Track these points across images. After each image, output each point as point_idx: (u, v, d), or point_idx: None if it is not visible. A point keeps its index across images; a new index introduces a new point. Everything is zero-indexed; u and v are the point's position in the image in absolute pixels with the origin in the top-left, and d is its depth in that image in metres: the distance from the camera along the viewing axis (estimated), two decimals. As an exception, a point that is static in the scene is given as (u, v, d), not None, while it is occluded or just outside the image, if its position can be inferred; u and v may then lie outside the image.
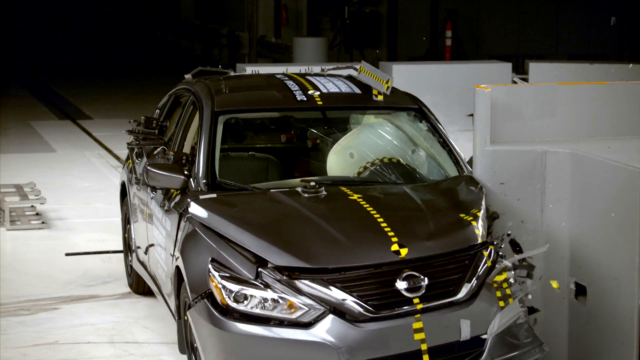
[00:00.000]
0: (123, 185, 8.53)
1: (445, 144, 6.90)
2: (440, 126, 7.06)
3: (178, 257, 6.04)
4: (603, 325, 5.92)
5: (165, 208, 6.64)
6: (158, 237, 6.88)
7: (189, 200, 6.14)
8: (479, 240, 5.76)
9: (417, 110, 7.08)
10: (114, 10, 34.35)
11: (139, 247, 7.77)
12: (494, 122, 6.41)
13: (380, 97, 6.96)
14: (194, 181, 6.36)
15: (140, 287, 8.17)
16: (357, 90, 7.07)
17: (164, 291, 6.84)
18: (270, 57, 23.20)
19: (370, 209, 5.87)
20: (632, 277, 5.72)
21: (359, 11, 23.22)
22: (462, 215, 5.88)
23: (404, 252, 5.56)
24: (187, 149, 7.03)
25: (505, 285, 5.74)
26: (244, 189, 6.32)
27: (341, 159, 6.86)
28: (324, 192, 6.10)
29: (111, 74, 23.28)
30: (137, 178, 7.72)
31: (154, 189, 6.82)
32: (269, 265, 5.51)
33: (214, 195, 6.13)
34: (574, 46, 23.15)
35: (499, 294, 5.71)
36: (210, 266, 5.61)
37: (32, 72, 23.78)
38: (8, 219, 10.31)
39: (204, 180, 6.32)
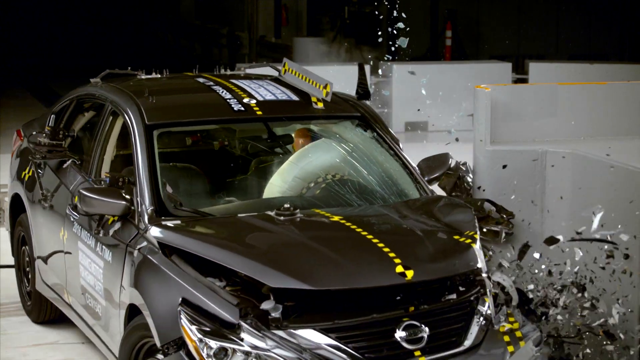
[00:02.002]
0: (15, 199, 7.54)
1: (395, 154, 6.40)
2: (387, 135, 6.55)
3: (133, 294, 5.42)
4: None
5: (101, 235, 5.93)
6: (90, 267, 6.15)
7: (148, 225, 5.54)
8: (479, 264, 5.31)
9: (360, 117, 6.53)
10: (114, 10, 34.33)
11: (51, 273, 6.94)
12: (494, 122, 6.41)
13: (320, 105, 6.40)
14: (138, 207, 5.71)
15: (42, 314, 7.42)
16: (294, 97, 6.46)
17: (96, 326, 6.18)
18: (270, 57, 23.20)
19: (360, 230, 5.38)
20: (632, 277, 5.71)
21: (359, 11, 23.22)
22: (456, 237, 5.44)
23: (409, 274, 5.07)
24: (107, 165, 6.47)
25: (516, 325, 5.26)
26: (202, 215, 5.70)
27: (284, 176, 6.25)
28: (300, 215, 5.56)
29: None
30: (44, 194, 6.89)
31: (76, 210, 6.14)
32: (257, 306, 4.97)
33: (179, 221, 5.54)
34: (574, 46, 23.14)
35: (507, 338, 5.21)
36: (182, 314, 5.03)
37: (32, 72, 23.78)
38: (8, 219, 10.30)
39: (152, 207, 5.67)
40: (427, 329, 5.02)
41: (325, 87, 6.33)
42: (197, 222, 5.58)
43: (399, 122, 17.06)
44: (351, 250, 5.24)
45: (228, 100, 6.32)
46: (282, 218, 5.50)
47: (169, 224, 5.50)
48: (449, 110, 16.03)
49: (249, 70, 7.23)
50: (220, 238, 5.39)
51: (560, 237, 5.94)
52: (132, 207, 5.72)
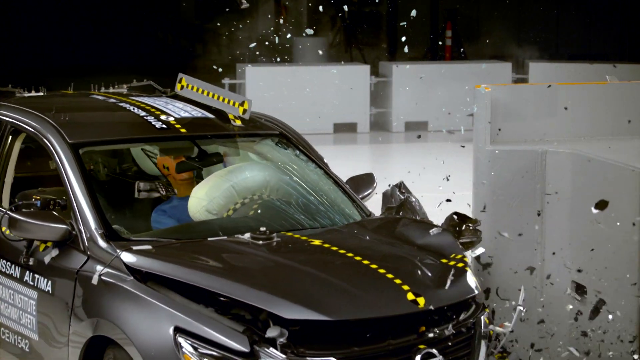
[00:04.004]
0: None
1: (325, 173, 6.15)
2: (312, 152, 6.34)
3: (102, 325, 4.99)
4: (603, 326, 5.91)
5: (31, 263, 5.44)
6: (13, 299, 5.63)
7: (117, 251, 5.12)
8: (479, 289, 5.24)
9: (281, 135, 6.26)
10: (114, 10, 34.37)
11: None
12: (494, 122, 6.41)
13: (238, 122, 6.08)
14: (83, 231, 5.30)
15: None
16: (209, 114, 6.12)
17: None
18: (270, 57, 23.23)
19: (352, 255, 5.15)
20: (632, 276, 5.71)
21: (359, 11, 23.25)
22: (444, 260, 5.28)
23: (421, 301, 4.90)
24: (7, 187, 6.02)
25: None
26: (155, 239, 5.34)
27: (211, 190, 5.88)
28: (277, 239, 5.26)
29: (111, 74, 23.26)
30: None
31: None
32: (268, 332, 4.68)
33: (149, 247, 5.16)
34: (574, 46, 23.15)
35: None
36: (182, 343, 4.68)
37: (32, 72, 23.78)
38: (8, 219, 10.26)
39: (101, 230, 5.27)
40: (441, 357, 4.90)
41: (242, 105, 6.03)
42: (172, 248, 5.24)
43: (399, 122, 17.08)
44: (356, 278, 5.01)
45: (146, 118, 5.98)
46: (260, 242, 5.22)
47: (141, 248, 5.13)
48: (448, 110, 16.02)
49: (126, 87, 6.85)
50: (211, 266, 5.03)
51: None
52: (74, 232, 5.32)
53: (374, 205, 6.23)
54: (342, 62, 19.55)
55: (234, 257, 5.15)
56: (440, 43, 21.14)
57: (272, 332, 4.65)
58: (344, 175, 6.40)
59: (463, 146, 6.48)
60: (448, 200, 6.78)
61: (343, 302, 4.80)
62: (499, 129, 6.44)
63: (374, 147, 16.19)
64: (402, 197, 6.11)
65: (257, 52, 24.35)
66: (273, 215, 5.68)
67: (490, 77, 16.14)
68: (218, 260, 5.07)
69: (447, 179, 6.84)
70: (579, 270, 6.07)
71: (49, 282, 5.38)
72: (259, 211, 5.73)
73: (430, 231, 5.55)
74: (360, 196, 6.21)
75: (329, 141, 16.45)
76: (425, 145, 15.44)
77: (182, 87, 6.32)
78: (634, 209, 5.68)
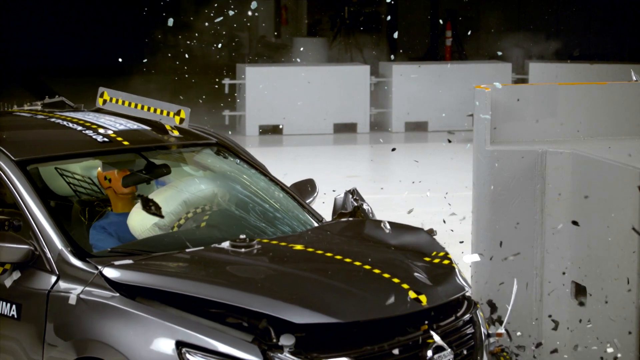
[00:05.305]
0: None
1: (271, 180, 6.11)
2: (253, 160, 6.29)
3: (90, 346, 4.77)
4: (603, 326, 5.91)
5: None
6: None
7: (97, 268, 4.94)
8: (470, 285, 5.28)
9: (218, 144, 6.16)
10: (114, 10, 34.38)
11: None
12: (494, 122, 6.41)
13: (175, 132, 5.96)
14: (46, 251, 5.10)
15: None
16: (144, 126, 6.00)
17: None
18: (269, 57, 23.24)
19: (341, 257, 5.13)
20: (632, 277, 5.71)
21: (359, 11, 23.26)
22: (427, 258, 5.28)
23: (423, 299, 4.88)
24: None
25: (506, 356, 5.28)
26: (128, 253, 5.19)
27: (168, 202, 5.75)
28: (258, 246, 5.18)
29: (111, 73, 23.28)
30: None
31: None
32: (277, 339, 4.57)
33: (131, 261, 4.99)
34: (574, 46, 23.15)
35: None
36: (187, 355, 4.55)
37: (32, 72, 23.78)
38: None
39: (69, 248, 5.10)
40: (450, 350, 4.89)
41: (178, 114, 5.91)
42: (155, 260, 5.09)
43: (399, 122, 17.09)
44: (356, 279, 4.97)
45: (85, 132, 5.81)
46: (242, 250, 5.14)
47: (123, 263, 4.97)
48: (448, 111, 16.04)
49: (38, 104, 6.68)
50: (205, 275, 4.93)
51: None
52: (37, 252, 5.12)
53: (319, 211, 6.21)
54: (342, 62, 19.56)
55: (225, 265, 5.05)
56: (439, 20, 21.15)
57: (286, 340, 4.56)
58: (345, 176, 6.38)
59: (449, 141, 6.49)
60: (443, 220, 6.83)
61: (350, 304, 4.75)
62: (498, 129, 6.45)
63: (374, 147, 16.20)
64: (355, 204, 6.04)
65: (257, 52, 24.35)
66: (233, 224, 5.60)
67: (490, 77, 16.15)
68: (210, 270, 4.97)
69: (450, 206, 6.83)
70: (579, 270, 6.08)
71: (14, 307, 5.14)
72: (218, 220, 5.63)
73: (382, 226, 5.52)
74: (305, 202, 6.15)
75: (329, 141, 16.47)
76: (426, 146, 15.45)
77: (104, 101, 6.19)
78: (634, 209, 5.68)
